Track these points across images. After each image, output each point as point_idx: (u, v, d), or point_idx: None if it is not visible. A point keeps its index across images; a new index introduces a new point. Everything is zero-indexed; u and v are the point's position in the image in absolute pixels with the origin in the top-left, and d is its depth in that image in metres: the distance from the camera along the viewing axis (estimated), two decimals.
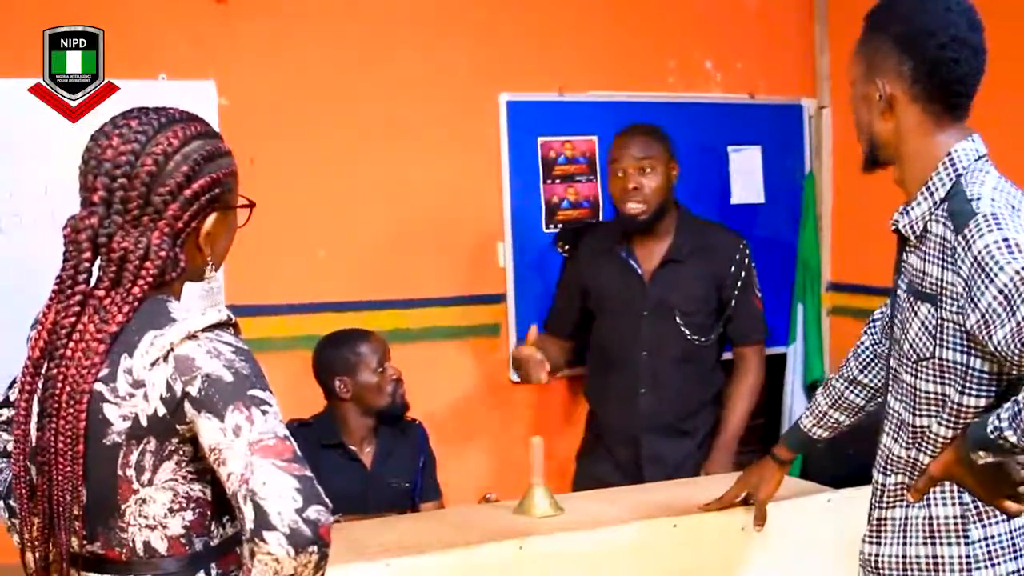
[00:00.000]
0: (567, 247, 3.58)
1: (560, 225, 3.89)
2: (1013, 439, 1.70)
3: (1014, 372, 1.77)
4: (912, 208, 1.93)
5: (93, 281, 1.63)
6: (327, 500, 1.50)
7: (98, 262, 1.64)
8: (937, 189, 1.89)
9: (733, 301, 3.40)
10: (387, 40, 3.77)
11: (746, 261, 3.42)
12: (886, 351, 2.09)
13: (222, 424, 1.52)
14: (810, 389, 4.34)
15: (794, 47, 4.29)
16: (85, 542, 1.62)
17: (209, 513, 1.64)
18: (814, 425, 2.42)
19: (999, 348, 1.73)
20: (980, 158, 1.91)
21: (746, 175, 4.33)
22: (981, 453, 1.77)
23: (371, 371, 3.17)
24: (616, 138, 3.42)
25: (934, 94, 1.91)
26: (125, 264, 1.61)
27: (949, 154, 1.90)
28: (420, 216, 3.80)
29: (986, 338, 1.75)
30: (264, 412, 1.54)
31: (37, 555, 1.65)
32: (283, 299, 3.65)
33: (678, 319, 3.35)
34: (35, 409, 1.63)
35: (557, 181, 3.99)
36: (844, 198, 4.28)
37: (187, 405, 1.56)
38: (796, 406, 4.35)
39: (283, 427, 1.55)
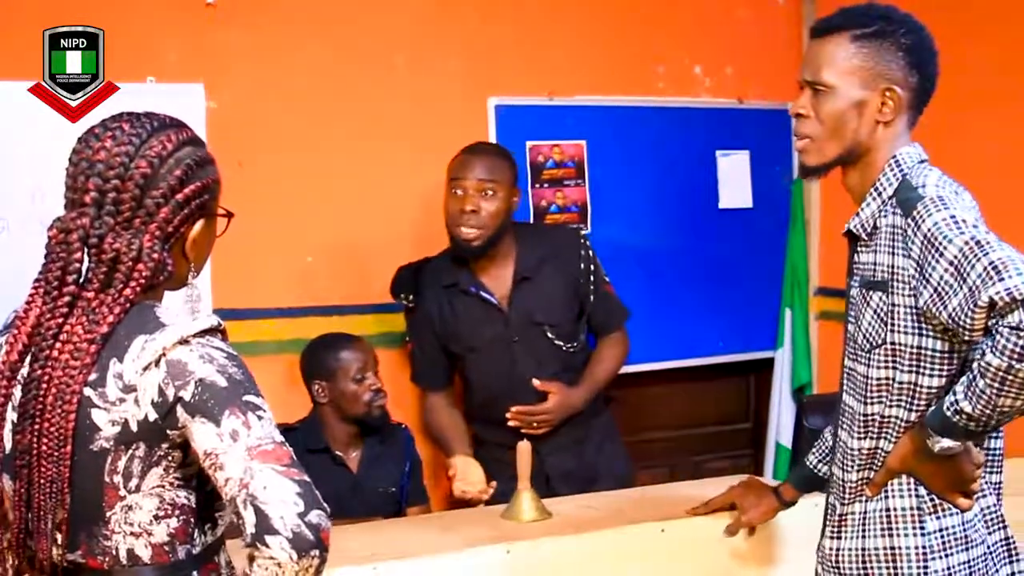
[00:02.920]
0: (410, 296, 3.29)
1: (397, 272, 3.42)
2: (969, 409, 1.81)
3: (965, 342, 1.86)
4: (863, 209, 2.03)
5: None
6: (326, 505, 1.51)
7: (86, 264, 1.63)
8: (885, 189, 2.00)
9: (592, 297, 3.28)
10: (376, 44, 3.77)
11: (590, 253, 3.28)
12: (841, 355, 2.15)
13: (219, 429, 1.52)
14: (797, 393, 4.35)
15: (782, 52, 4.30)
16: (66, 551, 1.60)
17: (193, 520, 1.63)
18: (819, 461, 2.39)
19: (953, 317, 1.81)
20: (922, 162, 2.03)
21: (734, 180, 4.34)
22: (938, 438, 1.87)
23: (349, 379, 3.16)
24: (461, 153, 3.20)
25: (919, 107, 2.04)
26: (117, 266, 1.60)
27: (894, 156, 2.02)
28: (408, 220, 3.79)
29: (940, 310, 1.84)
30: (260, 417, 1.54)
31: (9, 564, 1.64)
32: (271, 303, 3.64)
33: (549, 334, 3.22)
34: (10, 414, 1.61)
35: (545, 185, 3.99)
36: (832, 203, 4.29)
37: (180, 410, 1.55)
38: (783, 410, 4.37)
39: (279, 433, 1.55)
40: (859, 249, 2.05)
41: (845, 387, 2.10)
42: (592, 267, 3.28)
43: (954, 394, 1.84)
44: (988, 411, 1.80)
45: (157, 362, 1.55)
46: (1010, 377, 1.74)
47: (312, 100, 3.69)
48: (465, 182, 3.12)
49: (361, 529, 2.74)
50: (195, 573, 1.64)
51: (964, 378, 1.83)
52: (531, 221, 3.91)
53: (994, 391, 1.77)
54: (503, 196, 3.12)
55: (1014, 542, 2.06)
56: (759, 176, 4.36)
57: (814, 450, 2.41)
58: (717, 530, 2.62)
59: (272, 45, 3.64)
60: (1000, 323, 1.74)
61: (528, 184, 3.95)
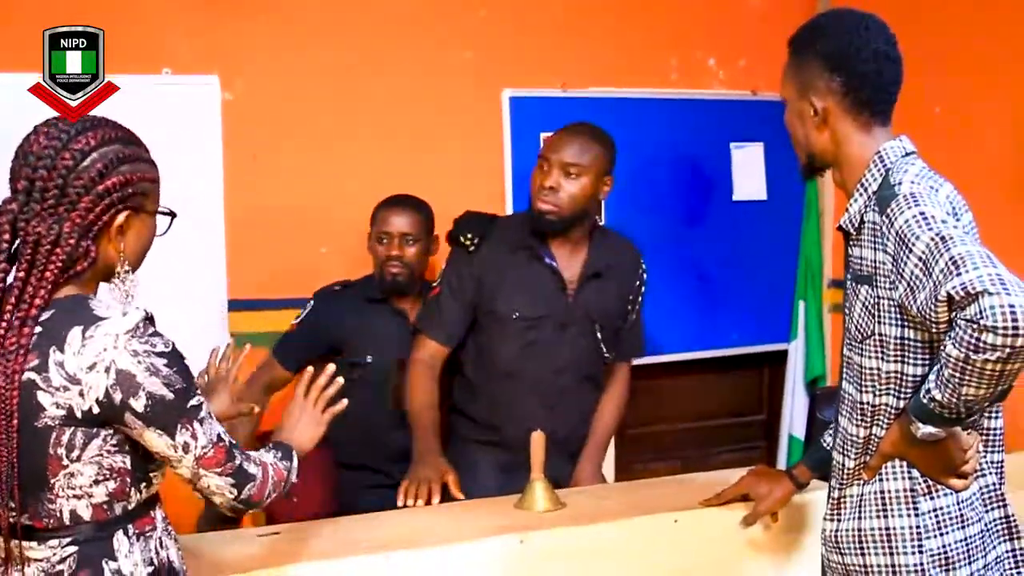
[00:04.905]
0: (475, 240, 3.15)
1: (465, 215, 3.28)
2: (939, 397, 1.88)
3: (933, 331, 1.91)
4: (851, 205, 2.11)
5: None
6: (254, 471, 1.89)
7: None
8: (870, 184, 2.08)
9: (633, 317, 3.28)
10: (391, 36, 3.78)
11: (645, 277, 3.29)
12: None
13: (173, 441, 1.78)
14: (810, 385, 4.35)
15: None
16: (14, 514, 1.75)
17: (129, 480, 1.81)
18: None
19: (920, 311, 1.88)
20: (908, 155, 2.08)
21: (748, 172, 4.34)
22: (919, 424, 1.94)
23: (375, 238, 3.36)
24: (558, 131, 3.12)
25: (863, 104, 2.10)
26: (38, 248, 1.75)
27: (878, 152, 2.09)
28: None
29: (911, 305, 1.90)
30: (202, 421, 1.81)
31: None
32: (285, 294, 3.65)
33: (599, 335, 3.17)
34: None
35: None
36: (846, 195, 4.29)
37: (129, 416, 1.74)
38: (797, 402, 4.37)
39: (214, 426, 1.83)
40: (850, 244, 2.12)
41: (844, 375, 2.18)
42: (642, 291, 3.28)
43: (928, 382, 1.91)
44: (955, 399, 1.87)
45: (107, 369, 1.71)
46: (968, 367, 1.80)
47: (326, 92, 3.70)
48: (550, 160, 3.04)
49: (373, 519, 2.75)
50: (130, 527, 1.83)
51: (935, 368, 1.90)
52: None
53: (956, 380, 1.83)
54: (587, 181, 3.03)
55: (1015, 520, 2.12)
56: (773, 168, 4.35)
57: (830, 431, 2.43)
58: (730, 520, 2.63)
59: (287, 37, 3.65)
60: (958, 316, 1.80)
61: None
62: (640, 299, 3.28)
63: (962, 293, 1.78)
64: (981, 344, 1.77)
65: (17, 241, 1.77)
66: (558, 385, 3.12)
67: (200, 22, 3.52)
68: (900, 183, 1.99)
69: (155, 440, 1.77)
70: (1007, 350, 1.76)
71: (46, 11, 3.00)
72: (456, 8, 3.87)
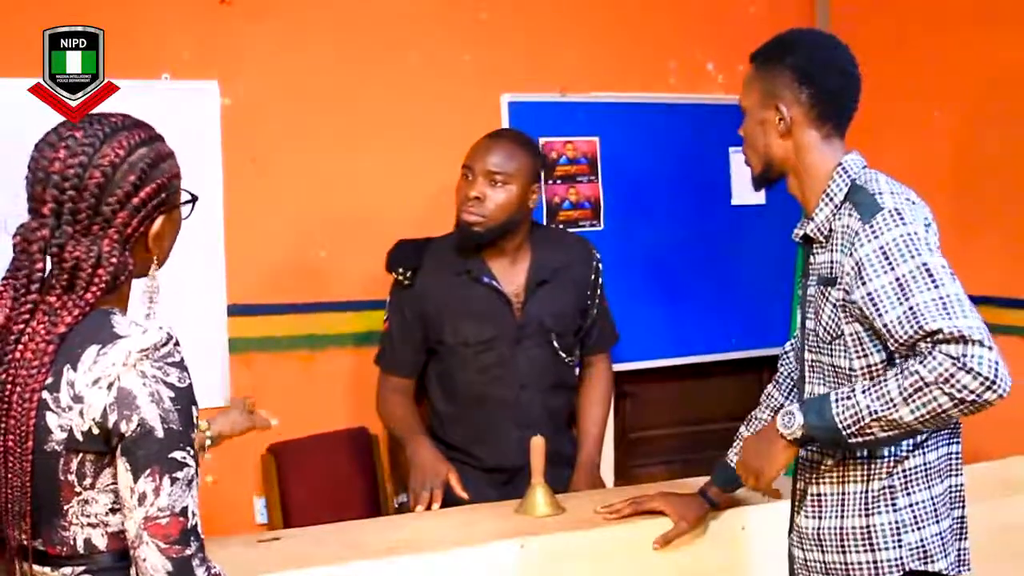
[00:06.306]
0: (408, 272, 3.06)
1: (397, 245, 3.21)
2: (863, 400, 1.97)
3: (892, 346, 2.00)
4: (816, 214, 2.20)
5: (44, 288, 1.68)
6: (199, 573, 1.63)
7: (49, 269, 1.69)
8: (835, 194, 2.17)
9: (595, 311, 3.17)
10: (389, 41, 3.78)
11: (600, 267, 3.17)
12: (799, 355, 2.30)
13: (133, 485, 1.61)
14: None
15: None
16: (29, 538, 1.67)
17: None
18: None
19: (889, 326, 1.97)
20: (864, 167, 2.18)
21: (746, 176, 4.29)
22: (800, 417, 2.07)
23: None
24: (480, 139, 3.06)
25: (826, 117, 2.21)
26: (78, 272, 1.66)
27: (840, 164, 2.19)
28: (421, 216, 3.80)
29: (873, 314, 1.99)
30: (174, 480, 1.62)
31: None
32: (284, 298, 3.66)
33: (555, 343, 3.07)
34: None
35: (558, 182, 4.00)
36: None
37: (115, 439, 1.62)
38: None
39: (185, 495, 1.62)
40: (815, 251, 2.21)
41: (810, 379, 2.24)
42: (600, 282, 3.17)
43: (858, 385, 2.01)
44: (879, 410, 1.95)
45: (110, 385, 1.61)
46: (925, 390, 1.91)
47: (326, 97, 3.71)
48: (474, 168, 2.97)
49: (376, 524, 2.75)
50: None
51: (878, 380, 1.98)
52: (544, 218, 3.91)
53: (902, 396, 1.93)
54: (515, 189, 2.96)
55: (966, 522, 2.22)
56: None
57: (734, 450, 2.55)
58: (729, 524, 2.63)
59: (286, 42, 3.65)
60: (939, 348, 1.90)
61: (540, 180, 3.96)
62: (599, 291, 3.18)
63: (956, 334, 1.89)
64: (955, 381, 1.88)
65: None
66: (526, 401, 3.05)
67: (199, 27, 3.53)
68: (881, 194, 2.09)
69: (121, 473, 1.62)
70: (971, 395, 1.88)
71: (45, 14, 3.00)
72: (454, 13, 3.88)
